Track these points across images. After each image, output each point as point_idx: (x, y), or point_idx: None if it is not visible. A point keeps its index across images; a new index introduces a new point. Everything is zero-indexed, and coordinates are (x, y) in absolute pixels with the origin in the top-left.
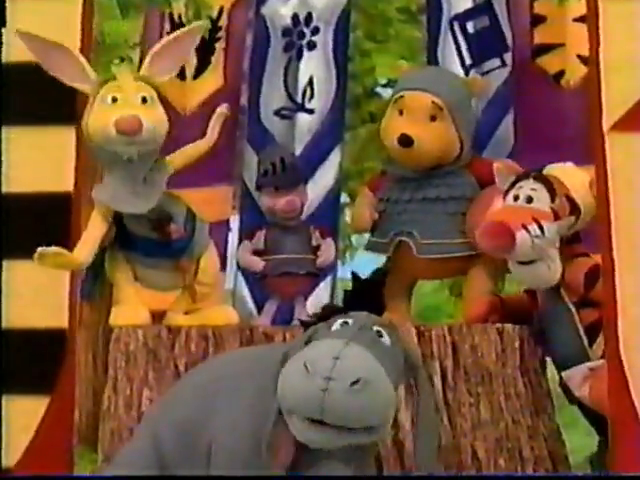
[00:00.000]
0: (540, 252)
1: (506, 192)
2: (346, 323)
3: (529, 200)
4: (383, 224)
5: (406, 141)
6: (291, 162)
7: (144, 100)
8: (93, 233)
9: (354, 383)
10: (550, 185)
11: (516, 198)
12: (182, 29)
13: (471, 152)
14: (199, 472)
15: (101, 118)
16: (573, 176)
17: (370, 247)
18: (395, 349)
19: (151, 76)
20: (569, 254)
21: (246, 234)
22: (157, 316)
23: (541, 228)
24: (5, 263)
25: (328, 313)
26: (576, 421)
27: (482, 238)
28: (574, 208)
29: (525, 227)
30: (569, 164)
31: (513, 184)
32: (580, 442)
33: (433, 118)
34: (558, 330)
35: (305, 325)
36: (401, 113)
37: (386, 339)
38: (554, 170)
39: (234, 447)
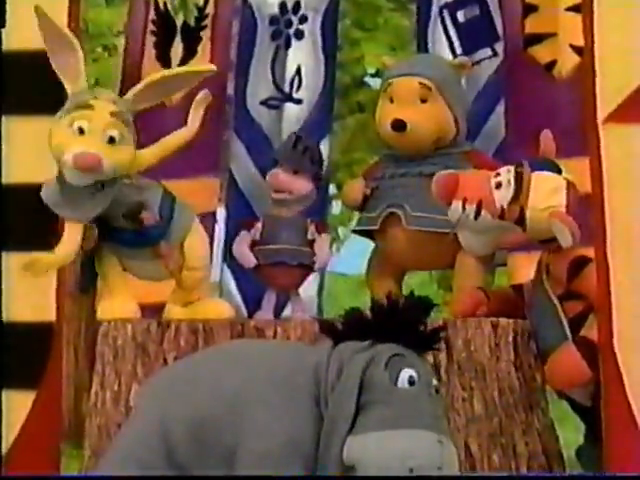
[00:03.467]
0: (464, 227)
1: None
2: (412, 380)
3: (499, 185)
4: (375, 199)
5: (399, 125)
6: (304, 143)
7: (111, 140)
8: (71, 228)
9: None
10: (519, 190)
11: (497, 175)
12: (188, 69)
13: (469, 142)
14: (211, 473)
15: (63, 144)
16: (547, 195)
17: (359, 223)
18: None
19: (134, 102)
20: (552, 249)
21: (245, 224)
22: (152, 308)
23: (478, 213)
24: None
25: (353, 322)
26: (565, 416)
27: (434, 182)
28: (521, 221)
29: (464, 203)
30: (558, 179)
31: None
32: (570, 437)
33: (423, 100)
34: (541, 322)
35: (325, 328)
36: (392, 101)
37: (440, 394)
38: (539, 175)
39: (267, 453)
